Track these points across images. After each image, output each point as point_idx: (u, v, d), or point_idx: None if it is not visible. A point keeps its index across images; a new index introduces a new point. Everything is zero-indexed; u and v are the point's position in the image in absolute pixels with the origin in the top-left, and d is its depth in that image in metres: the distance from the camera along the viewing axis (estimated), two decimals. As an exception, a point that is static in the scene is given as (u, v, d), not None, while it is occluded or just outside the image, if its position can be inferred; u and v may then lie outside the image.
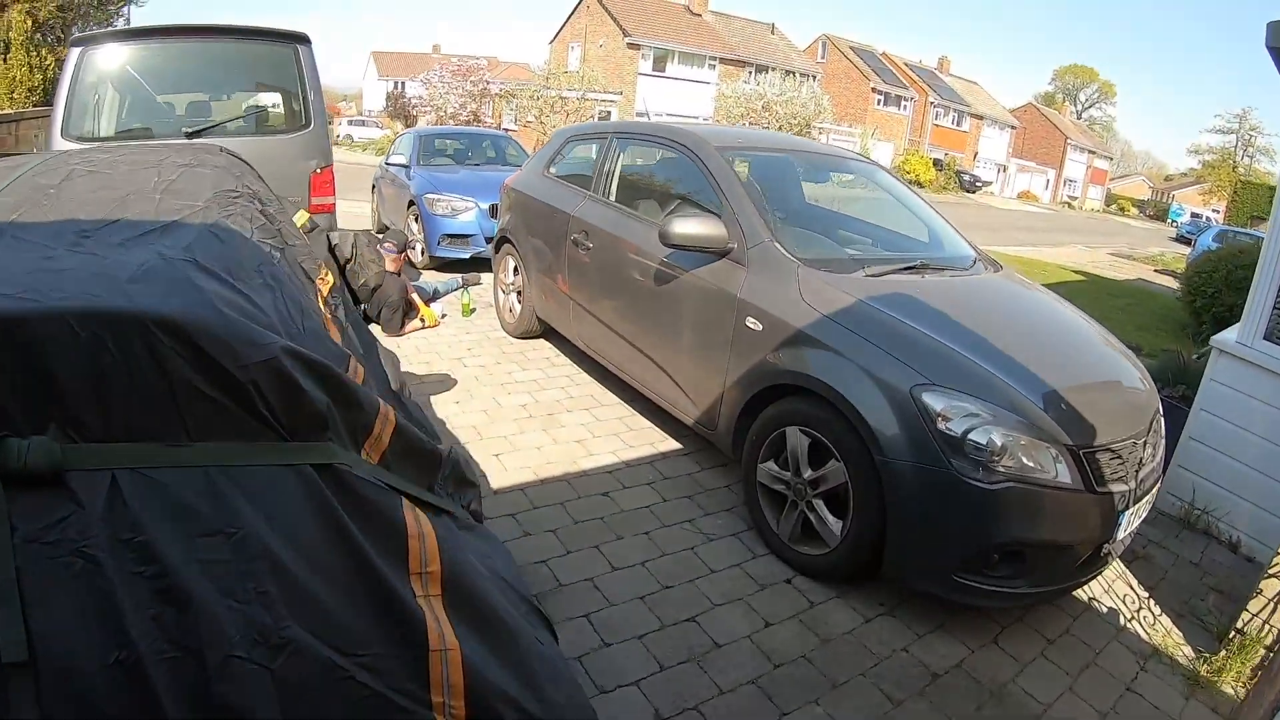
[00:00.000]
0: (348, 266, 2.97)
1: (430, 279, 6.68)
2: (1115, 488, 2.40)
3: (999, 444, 2.25)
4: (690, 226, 3.00)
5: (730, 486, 3.37)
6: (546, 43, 40.21)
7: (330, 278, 1.72)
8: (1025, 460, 2.28)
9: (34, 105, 8.69)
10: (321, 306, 1.57)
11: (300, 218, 2.79)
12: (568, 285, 4.27)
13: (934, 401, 2.31)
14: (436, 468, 1.53)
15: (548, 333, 5.07)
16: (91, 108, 4.11)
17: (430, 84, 28.82)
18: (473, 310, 5.80)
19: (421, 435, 1.50)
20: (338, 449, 1.20)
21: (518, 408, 4.03)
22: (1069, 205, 49.25)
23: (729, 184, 3.25)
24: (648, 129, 4.14)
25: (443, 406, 3.97)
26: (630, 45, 33.63)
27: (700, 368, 3.18)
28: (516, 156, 8.70)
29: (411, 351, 4.82)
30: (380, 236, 5.03)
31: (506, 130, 27.72)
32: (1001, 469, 2.25)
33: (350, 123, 37.67)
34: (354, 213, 11.68)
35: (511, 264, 5.17)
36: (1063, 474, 2.30)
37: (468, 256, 6.94)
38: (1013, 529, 2.29)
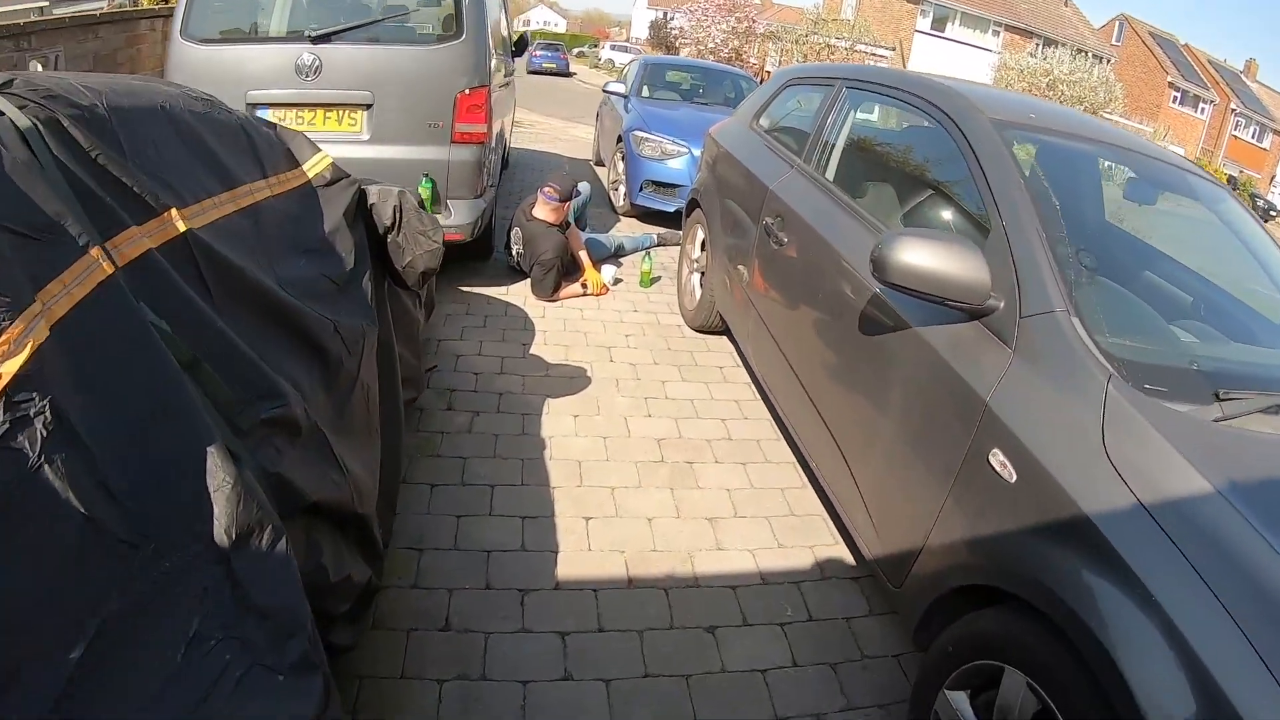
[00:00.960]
0: (389, 238, 2.09)
1: (621, 232, 5.80)
2: None
3: None
4: (922, 257, 1.72)
5: (900, 660, 2.15)
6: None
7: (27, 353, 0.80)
8: None
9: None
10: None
11: (319, 163, 1.93)
12: (749, 283, 3.14)
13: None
14: None
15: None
16: (217, 5, 3.63)
17: (694, 15, 27.81)
18: (654, 280, 4.82)
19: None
20: None
21: (651, 442, 3.03)
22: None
23: (1006, 188, 1.89)
24: (891, 79, 2.77)
25: (556, 419, 3.08)
26: (910, -1, 30.70)
27: (898, 488, 1.95)
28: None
29: (555, 326, 3.98)
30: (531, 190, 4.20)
31: (769, 75, 26.17)
32: None
33: (613, 47, 38.93)
34: (585, 138, 11.12)
35: (700, 235, 4.11)
36: None
37: (672, 210, 5.95)
38: None
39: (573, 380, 3.41)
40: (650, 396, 3.37)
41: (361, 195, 2.03)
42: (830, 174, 2.83)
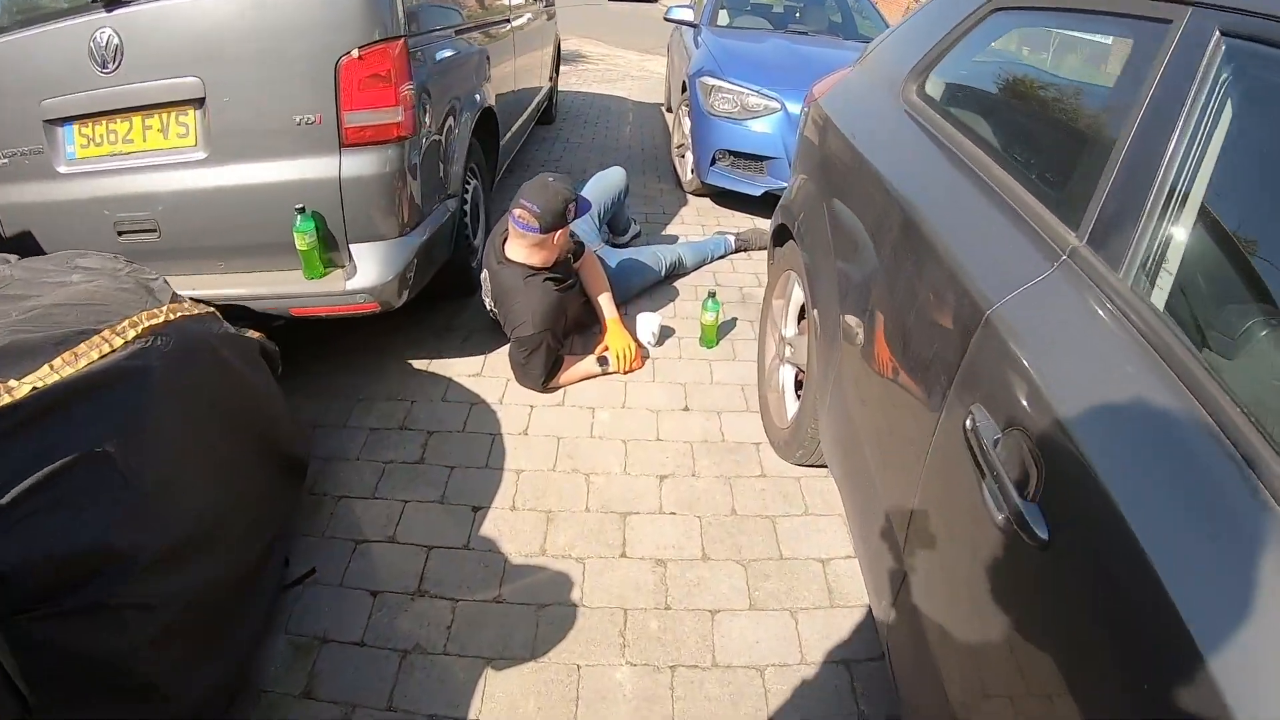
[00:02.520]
0: None
1: (681, 232, 4.02)
2: None
3: None
4: None
5: None
6: None
7: None
8: None
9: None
10: None
11: None
12: (914, 507, 1.37)
13: None
14: None
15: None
16: None
17: None
18: (723, 330, 3.06)
19: None
20: None
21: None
22: None
23: None
24: None
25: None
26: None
27: None
28: (872, 29, 5.27)
29: (540, 454, 2.32)
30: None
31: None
32: None
33: (690, -32, 35.05)
34: (661, 74, 9.14)
35: (796, 292, 2.33)
36: None
37: (758, 194, 4.11)
38: None
39: (539, 631, 1.77)
40: (682, 662, 1.70)
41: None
42: (1169, 300, 0.96)
